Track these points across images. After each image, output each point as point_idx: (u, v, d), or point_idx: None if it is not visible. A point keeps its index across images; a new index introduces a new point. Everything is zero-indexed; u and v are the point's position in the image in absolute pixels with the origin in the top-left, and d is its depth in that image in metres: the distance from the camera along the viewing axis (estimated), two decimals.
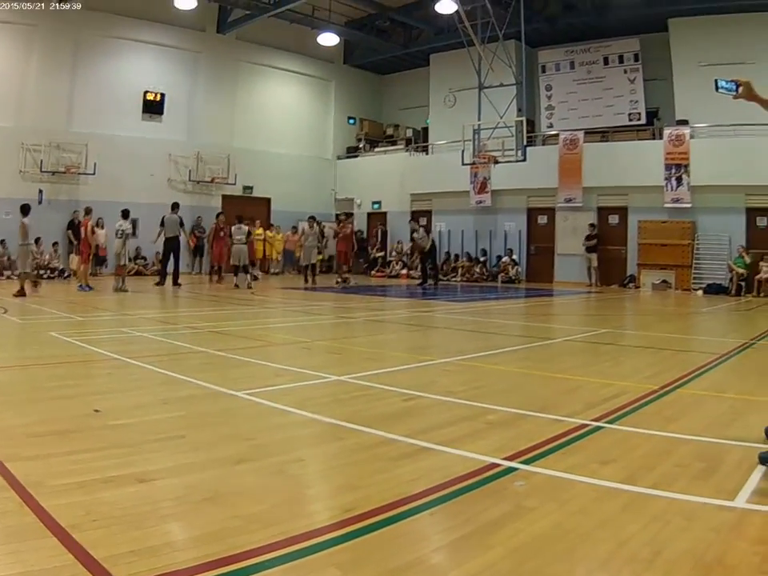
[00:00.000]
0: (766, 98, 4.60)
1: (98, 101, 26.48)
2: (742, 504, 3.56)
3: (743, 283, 22.79)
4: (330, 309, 15.79)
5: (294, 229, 30.49)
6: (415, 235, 25.34)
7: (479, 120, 25.90)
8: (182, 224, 22.18)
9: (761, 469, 4.14)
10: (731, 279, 23.14)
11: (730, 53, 24.02)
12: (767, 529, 3.28)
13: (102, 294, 17.84)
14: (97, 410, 5.29)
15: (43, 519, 3.15)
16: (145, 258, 27.38)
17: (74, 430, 4.78)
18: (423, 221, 30.21)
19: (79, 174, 25.82)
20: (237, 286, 20.59)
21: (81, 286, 18.67)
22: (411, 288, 23.36)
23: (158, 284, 21.17)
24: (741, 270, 22.75)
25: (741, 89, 4.58)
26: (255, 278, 20.79)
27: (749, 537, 3.15)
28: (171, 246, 21.89)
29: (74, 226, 24.19)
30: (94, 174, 25.83)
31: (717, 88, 4.67)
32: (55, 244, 24.88)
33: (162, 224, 21.97)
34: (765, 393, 6.75)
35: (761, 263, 22.40)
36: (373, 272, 31.68)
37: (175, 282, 21.28)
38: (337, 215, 22.28)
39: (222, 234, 24.41)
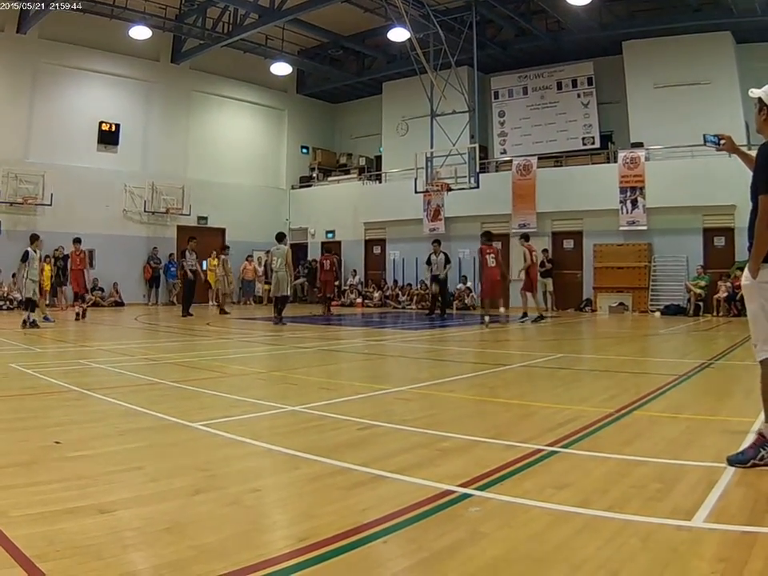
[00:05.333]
0: (745, 152, 5.26)
1: (55, 131, 26.51)
2: (700, 523, 3.53)
3: (701, 303, 23.02)
4: (285, 339, 15.68)
5: (250, 258, 30.57)
6: (433, 257, 23.11)
7: (432, 148, 26.10)
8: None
9: (719, 488, 4.14)
10: (689, 300, 23.38)
11: (685, 74, 24.46)
12: (725, 547, 3.26)
13: (63, 326, 17.60)
14: (57, 442, 5.25)
15: (9, 549, 3.13)
16: (102, 290, 27.15)
17: (35, 462, 4.73)
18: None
19: (36, 204, 25.75)
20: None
21: (45, 317, 18.49)
22: (366, 316, 23.21)
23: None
24: (698, 291, 22.96)
25: (723, 142, 5.27)
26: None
27: (707, 556, 3.12)
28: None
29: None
30: (50, 204, 25.83)
31: (705, 142, 5.38)
32: (14, 275, 24.58)
33: (183, 256, 22.53)
34: (722, 413, 6.78)
35: (719, 282, 22.65)
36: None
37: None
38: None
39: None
